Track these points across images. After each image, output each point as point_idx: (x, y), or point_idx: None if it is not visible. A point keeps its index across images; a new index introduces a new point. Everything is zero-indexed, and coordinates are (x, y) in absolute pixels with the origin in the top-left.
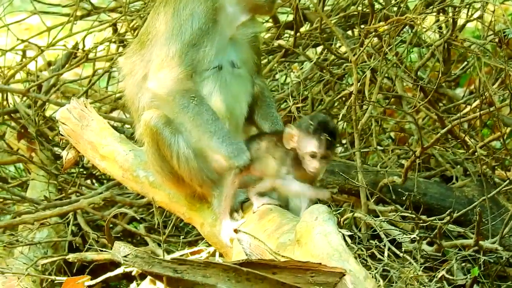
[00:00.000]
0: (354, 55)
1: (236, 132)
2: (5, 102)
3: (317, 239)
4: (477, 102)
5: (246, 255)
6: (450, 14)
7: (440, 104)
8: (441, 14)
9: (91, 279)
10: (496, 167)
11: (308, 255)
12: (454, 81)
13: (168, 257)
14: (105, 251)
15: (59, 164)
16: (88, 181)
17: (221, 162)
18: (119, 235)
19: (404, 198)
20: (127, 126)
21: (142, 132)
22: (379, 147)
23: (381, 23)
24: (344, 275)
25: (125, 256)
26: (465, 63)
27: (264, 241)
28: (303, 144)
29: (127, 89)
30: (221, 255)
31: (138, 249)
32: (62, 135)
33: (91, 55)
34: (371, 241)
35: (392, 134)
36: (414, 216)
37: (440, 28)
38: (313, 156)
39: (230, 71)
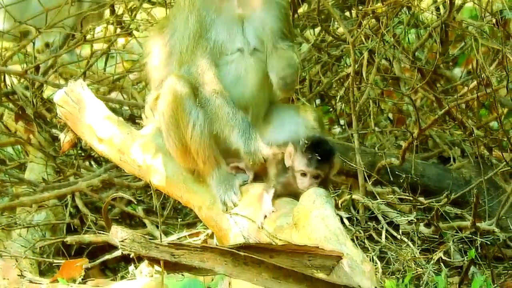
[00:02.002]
0: (351, 37)
1: (256, 121)
2: (2, 84)
3: (315, 223)
4: (475, 83)
5: (244, 238)
6: None
7: (438, 85)
8: None
9: (90, 261)
10: (493, 148)
11: (305, 238)
12: (452, 61)
13: (166, 240)
14: (103, 233)
15: (57, 146)
16: (87, 163)
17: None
18: (117, 217)
19: (401, 180)
20: (125, 108)
21: (164, 94)
22: (377, 129)
23: (379, 5)
24: (342, 258)
25: (122, 241)
26: (463, 43)
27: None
28: (296, 162)
29: (152, 61)
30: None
31: (135, 233)
32: (60, 118)
33: (88, 37)
34: (369, 222)
35: (390, 114)
36: (411, 198)
37: (438, 9)
38: (303, 174)
39: (252, 54)
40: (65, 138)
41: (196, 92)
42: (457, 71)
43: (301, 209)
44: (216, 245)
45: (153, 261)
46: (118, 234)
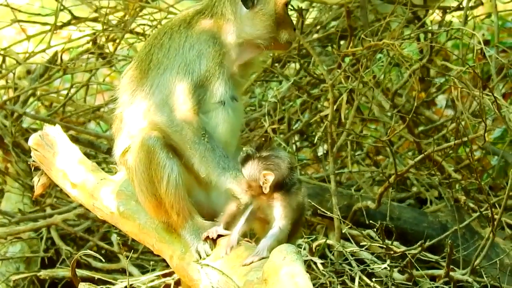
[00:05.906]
0: (331, 78)
1: None
2: None
3: (284, 280)
4: (454, 125)
5: None
6: (428, 39)
7: (417, 120)
8: (420, 35)
9: None
10: (470, 191)
11: None
12: (434, 98)
13: (142, 278)
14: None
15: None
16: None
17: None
18: (92, 249)
19: (376, 225)
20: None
21: (135, 150)
22: (354, 170)
23: (358, 48)
24: None
25: None
26: (444, 80)
27: (231, 276)
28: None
29: (124, 114)
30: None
31: None
32: (34, 162)
33: (69, 67)
34: (343, 264)
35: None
36: (385, 246)
37: (420, 50)
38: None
39: (231, 105)
40: (38, 182)
41: (172, 144)
42: (441, 98)
43: (271, 265)
44: None
45: None
46: None
